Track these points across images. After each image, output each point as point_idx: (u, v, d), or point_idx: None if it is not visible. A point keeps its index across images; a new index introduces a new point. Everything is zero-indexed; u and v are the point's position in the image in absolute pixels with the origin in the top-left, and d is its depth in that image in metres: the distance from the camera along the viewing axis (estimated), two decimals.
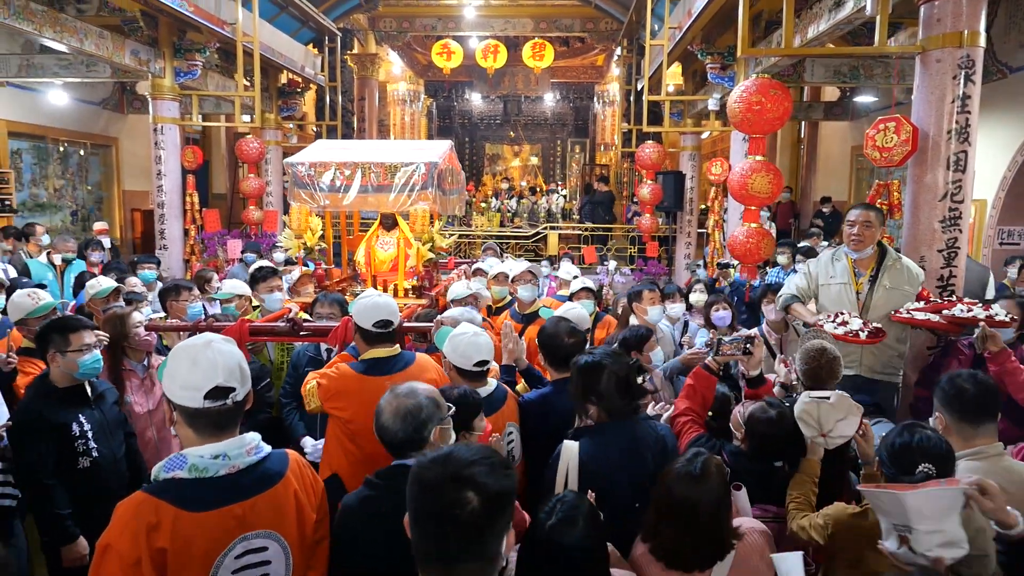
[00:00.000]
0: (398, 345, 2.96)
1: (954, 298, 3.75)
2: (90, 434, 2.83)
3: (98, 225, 8.51)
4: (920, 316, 3.51)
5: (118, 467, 2.95)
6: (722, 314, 4.75)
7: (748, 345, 2.81)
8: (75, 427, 2.80)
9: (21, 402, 2.93)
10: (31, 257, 6.52)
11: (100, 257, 6.60)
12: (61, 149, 10.53)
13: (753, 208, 4.78)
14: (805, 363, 2.90)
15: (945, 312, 3.49)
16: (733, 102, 4.14)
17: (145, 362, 3.49)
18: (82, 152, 11.04)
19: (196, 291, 4.58)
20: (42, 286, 4.45)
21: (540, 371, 3.40)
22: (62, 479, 2.76)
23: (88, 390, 2.93)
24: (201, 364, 1.69)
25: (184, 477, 1.66)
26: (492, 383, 2.86)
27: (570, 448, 2.43)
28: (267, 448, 1.81)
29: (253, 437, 1.79)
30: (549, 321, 3.33)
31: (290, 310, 3.95)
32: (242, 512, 1.70)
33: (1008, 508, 1.71)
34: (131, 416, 3.30)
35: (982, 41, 4.08)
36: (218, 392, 1.68)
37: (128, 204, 12.03)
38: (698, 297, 5.37)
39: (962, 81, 4.05)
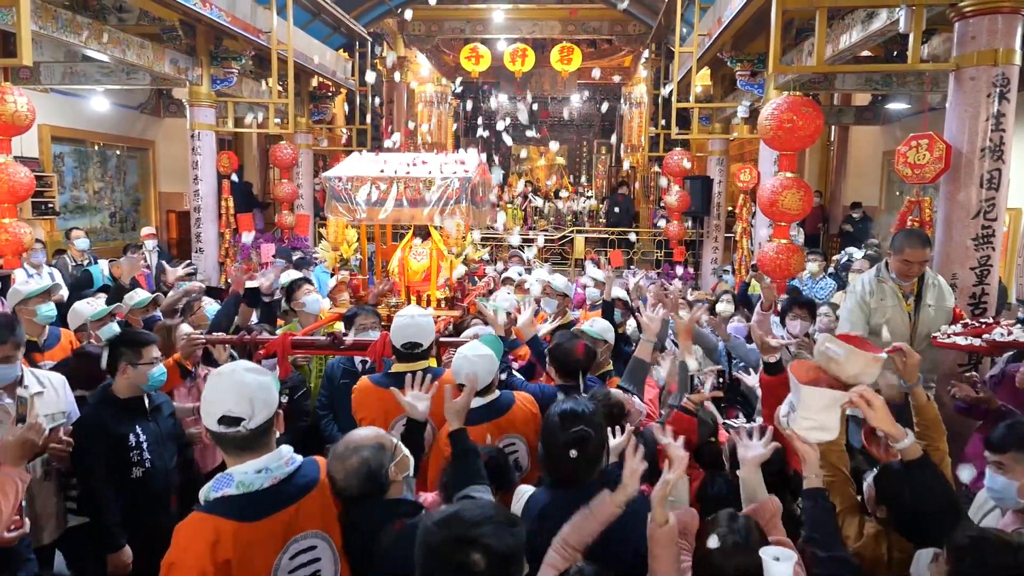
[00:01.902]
0: (432, 360, 3.07)
1: (991, 320, 3.73)
2: (145, 445, 2.95)
3: (146, 230, 8.72)
4: (962, 341, 3.49)
5: (168, 478, 3.07)
6: (737, 325, 4.73)
7: (720, 380, 2.78)
8: (132, 438, 2.91)
9: (84, 411, 3.06)
10: (76, 263, 6.74)
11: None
12: (97, 149, 10.81)
13: (783, 224, 4.81)
14: None
15: (986, 336, 3.48)
16: (764, 119, 4.18)
17: (192, 371, 3.63)
18: (119, 154, 11.34)
19: (207, 300, 4.61)
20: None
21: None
22: (115, 487, 2.88)
23: (146, 402, 3.07)
24: (218, 391, 1.83)
25: (234, 494, 1.80)
26: (496, 393, 2.90)
27: (520, 494, 2.29)
28: (299, 458, 1.97)
29: (288, 449, 1.94)
30: (562, 336, 3.35)
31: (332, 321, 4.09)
32: (289, 517, 1.85)
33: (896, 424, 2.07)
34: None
35: (1018, 59, 4.07)
36: (227, 420, 1.81)
37: (164, 206, 12.32)
38: (725, 307, 5.36)
39: (996, 99, 4.05)
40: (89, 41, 6.71)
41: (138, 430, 2.95)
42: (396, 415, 2.86)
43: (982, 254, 4.15)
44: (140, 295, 4.55)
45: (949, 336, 3.59)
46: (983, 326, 3.62)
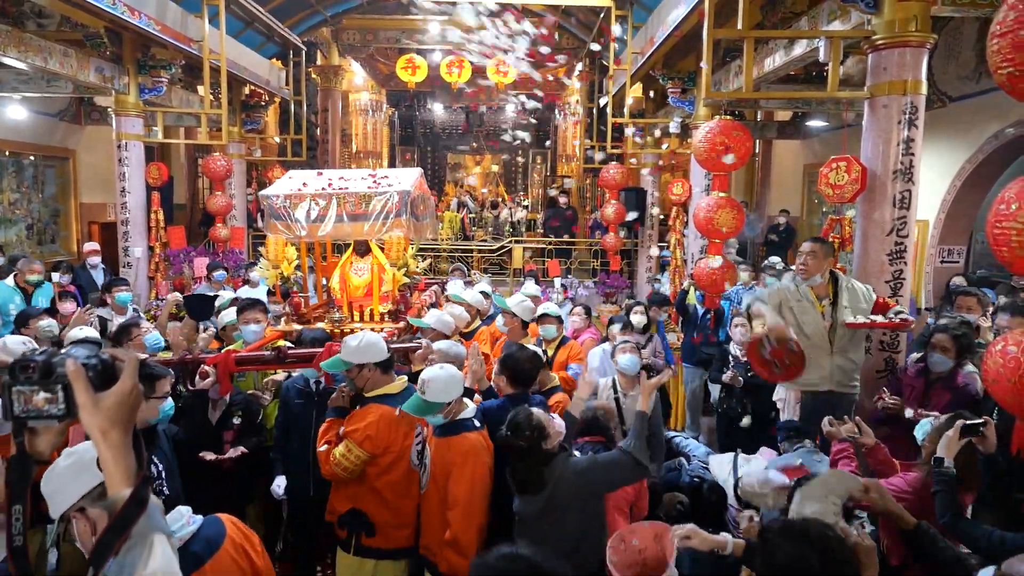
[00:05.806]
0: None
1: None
2: (164, 475, 2.83)
3: (89, 246, 8.19)
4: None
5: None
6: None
7: None
8: (152, 469, 2.77)
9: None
10: None
11: (67, 280, 6.50)
12: (11, 158, 10.22)
13: (717, 241, 5.05)
14: None
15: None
16: (699, 142, 4.40)
17: None
18: (36, 163, 10.78)
19: (145, 325, 4.43)
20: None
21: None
22: None
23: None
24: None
25: None
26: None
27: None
28: (199, 517, 1.92)
29: (187, 509, 1.89)
30: (513, 347, 3.67)
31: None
32: None
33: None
34: None
35: (923, 89, 4.39)
36: None
37: (86, 217, 11.78)
38: (639, 319, 5.55)
39: (906, 126, 4.36)
40: (7, 49, 6.41)
41: (155, 460, 2.81)
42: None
43: (895, 268, 4.46)
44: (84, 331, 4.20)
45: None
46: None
